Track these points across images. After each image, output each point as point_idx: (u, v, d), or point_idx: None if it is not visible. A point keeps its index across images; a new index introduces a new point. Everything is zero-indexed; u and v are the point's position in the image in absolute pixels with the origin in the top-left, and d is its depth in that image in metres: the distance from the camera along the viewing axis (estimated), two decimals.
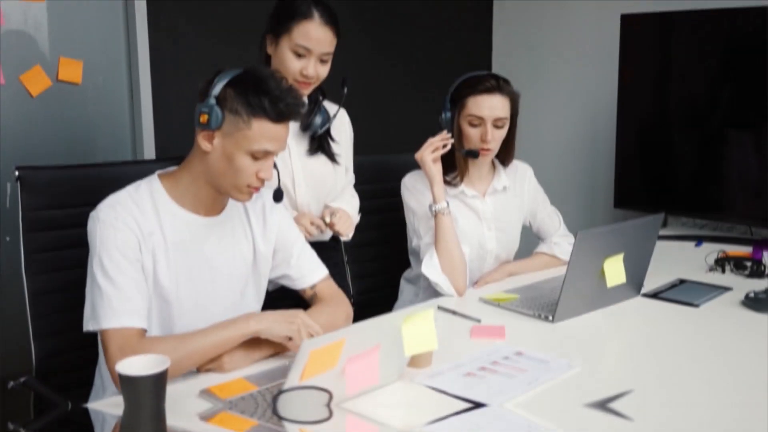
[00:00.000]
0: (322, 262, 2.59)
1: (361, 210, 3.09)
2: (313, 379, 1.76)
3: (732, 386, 2.14)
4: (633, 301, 2.90)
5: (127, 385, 1.74)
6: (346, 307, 2.52)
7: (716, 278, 3.22)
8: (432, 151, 2.94)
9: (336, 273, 2.85)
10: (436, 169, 2.95)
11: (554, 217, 3.39)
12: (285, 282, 2.54)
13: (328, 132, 2.93)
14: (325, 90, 2.95)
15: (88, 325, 2.13)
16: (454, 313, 2.72)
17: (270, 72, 2.24)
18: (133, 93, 4.10)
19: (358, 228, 3.04)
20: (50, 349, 2.52)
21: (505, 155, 3.21)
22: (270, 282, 2.53)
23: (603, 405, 1.98)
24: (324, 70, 2.80)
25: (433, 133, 2.98)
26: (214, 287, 2.34)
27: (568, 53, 5.41)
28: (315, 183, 2.90)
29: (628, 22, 4.47)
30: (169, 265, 2.23)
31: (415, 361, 2.15)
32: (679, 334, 2.59)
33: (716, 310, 2.83)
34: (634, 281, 2.90)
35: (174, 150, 3.47)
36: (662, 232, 4.01)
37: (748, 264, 3.29)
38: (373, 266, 3.49)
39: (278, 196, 2.50)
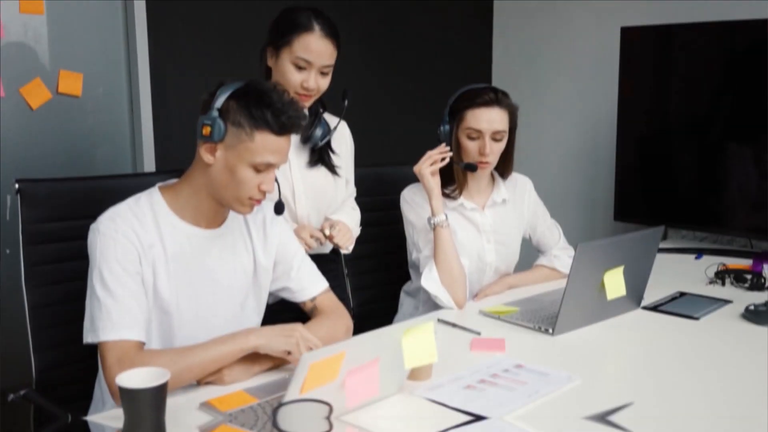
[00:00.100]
0: (323, 275, 2.59)
1: (361, 222, 3.10)
2: (313, 392, 1.75)
3: (732, 399, 2.13)
4: (633, 314, 2.90)
5: (128, 397, 1.74)
6: (346, 320, 2.52)
7: (716, 291, 3.21)
8: (430, 164, 2.94)
9: (336, 285, 2.85)
10: (435, 182, 2.95)
11: (554, 229, 3.39)
12: (285, 294, 2.54)
13: (328, 144, 2.94)
14: (325, 102, 2.95)
15: (88, 337, 2.13)
16: (454, 325, 2.72)
17: (272, 85, 2.24)
18: (133, 106, 4.10)
19: (358, 240, 3.04)
20: (50, 361, 2.52)
21: (504, 168, 3.21)
22: (270, 295, 2.53)
23: (603, 418, 1.97)
24: (324, 83, 2.80)
25: (433, 146, 2.98)
26: (215, 299, 2.34)
27: (568, 66, 5.42)
28: (315, 195, 2.90)
29: (628, 34, 4.48)
30: (170, 277, 2.23)
31: (415, 374, 2.14)
32: (679, 346, 2.58)
33: (716, 322, 2.82)
34: (635, 294, 2.90)
35: (174, 162, 3.48)
36: (662, 245, 4.01)
37: (749, 277, 3.28)
38: (373, 278, 3.49)
39: (279, 208, 2.50)
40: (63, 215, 2.58)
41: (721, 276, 3.35)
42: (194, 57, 4.22)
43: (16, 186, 2.51)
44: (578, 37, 5.32)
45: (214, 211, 2.31)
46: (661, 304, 2.99)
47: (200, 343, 2.14)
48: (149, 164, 4.11)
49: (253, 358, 2.19)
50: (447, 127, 3.05)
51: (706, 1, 4.55)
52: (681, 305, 2.99)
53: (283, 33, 2.73)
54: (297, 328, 2.19)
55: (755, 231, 4.12)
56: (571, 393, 2.14)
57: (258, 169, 2.18)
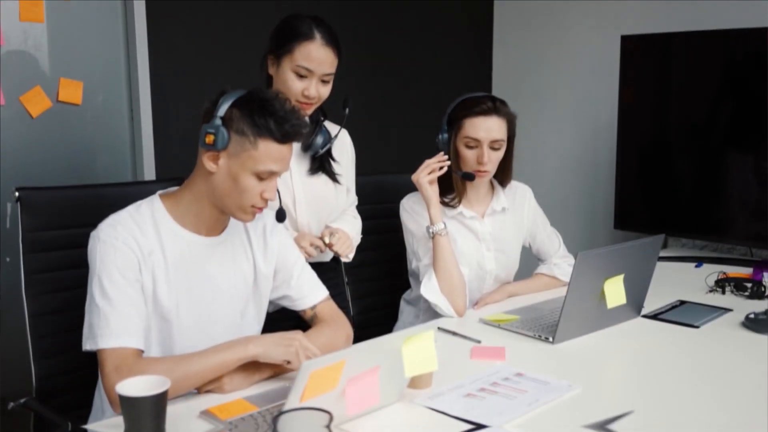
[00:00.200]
0: (323, 283, 2.59)
1: (362, 230, 3.09)
2: (313, 400, 1.75)
3: (732, 407, 2.13)
4: (633, 322, 2.90)
5: (128, 406, 1.74)
6: (346, 329, 2.51)
7: (716, 299, 3.21)
8: (428, 173, 2.94)
9: (336, 294, 2.85)
10: (433, 191, 2.95)
11: (554, 238, 3.39)
12: (285, 303, 2.54)
13: (329, 152, 2.94)
14: (326, 110, 2.95)
15: (86, 345, 2.12)
16: (454, 333, 2.72)
17: (274, 93, 2.24)
18: (134, 114, 4.11)
19: (359, 248, 3.04)
20: (50, 369, 2.52)
21: (503, 176, 3.21)
22: (270, 303, 2.53)
23: (603, 426, 1.97)
24: (325, 91, 2.80)
25: (433, 155, 2.98)
26: (215, 307, 2.34)
27: (568, 74, 5.43)
28: (316, 203, 2.90)
29: (628, 43, 4.48)
30: (170, 284, 2.23)
31: (415, 382, 2.14)
32: (679, 355, 2.58)
33: (716, 331, 2.82)
34: (635, 302, 2.90)
35: (174, 170, 3.48)
36: (662, 254, 4.01)
37: (749, 285, 3.28)
38: (373, 286, 3.49)
39: (281, 216, 2.51)
40: (63, 223, 2.58)
41: (721, 284, 3.35)
42: (194, 65, 4.22)
43: (16, 194, 2.51)
44: (578, 45, 5.33)
45: (214, 219, 2.31)
46: (662, 313, 2.99)
47: (199, 351, 2.14)
48: (149, 172, 4.11)
49: (254, 366, 2.18)
50: (445, 135, 3.05)
51: (706, 10, 4.57)
52: (681, 313, 2.99)
53: (284, 41, 2.73)
54: (297, 336, 2.18)
55: (755, 239, 4.12)
56: (571, 401, 2.14)
57: (261, 177, 2.19)
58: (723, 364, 2.48)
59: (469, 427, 1.96)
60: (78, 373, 2.49)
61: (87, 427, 2.07)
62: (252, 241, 2.43)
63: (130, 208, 2.26)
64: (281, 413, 1.61)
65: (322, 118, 2.94)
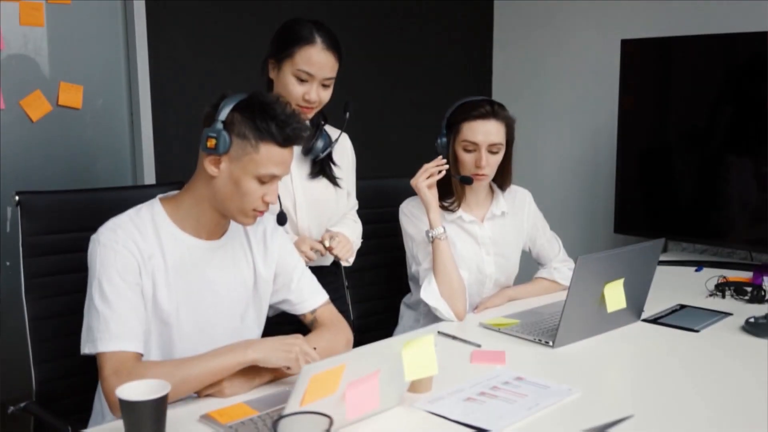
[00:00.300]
0: (323, 287, 2.59)
1: (362, 235, 3.09)
2: (313, 404, 1.75)
3: (732, 411, 2.13)
4: (633, 327, 2.90)
5: (128, 410, 1.74)
6: (346, 333, 2.51)
7: (716, 303, 3.21)
8: (426, 177, 2.94)
9: (336, 298, 2.85)
10: (432, 195, 2.95)
11: (554, 242, 3.39)
12: (285, 307, 2.54)
13: (329, 156, 2.94)
14: (326, 114, 2.95)
15: (85, 348, 2.12)
16: (454, 338, 2.72)
17: (275, 97, 2.25)
18: (134, 118, 4.11)
19: (359, 252, 3.04)
20: (50, 373, 2.52)
21: (502, 180, 3.21)
22: (270, 308, 2.53)
23: (603, 430, 1.97)
24: (326, 95, 2.81)
25: (433, 158, 2.98)
26: (215, 311, 2.34)
27: (568, 78, 5.43)
28: (316, 207, 2.90)
29: (629, 47, 4.48)
30: (170, 288, 2.23)
31: (415, 386, 2.14)
32: (679, 359, 2.58)
33: (716, 335, 2.82)
34: (635, 306, 2.90)
35: (174, 175, 3.48)
36: (662, 258, 4.00)
37: (749, 289, 3.28)
38: (374, 290, 3.49)
39: (282, 219, 2.52)
40: (63, 227, 2.58)
41: (721, 288, 3.35)
42: (194, 69, 4.23)
43: (17, 198, 2.51)
44: (578, 49, 5.33)
45: (215, 223, 2.31)
46: (662, 317, 2.99)
47: (198, 355, 2.14)
48: (149, 176, 4.11)
49: (254, 370, 2.18)
50: (444, 139, 3.06)
51: (706, 14, 4.57)
52: (681, 318, 2.99)
53: (285, 45, 2.73)
54: (296, 341, 2.18)
55: (755, 243, 4.12)
56: (571, 405, 2.14)
57: (262, 180, 2.19)
58: (723, 369, 2.48)
59: (469, 431, 1.96)
60: (78, 377, 2.49)
61: (87, 431, 2.07)
62: (252, 245, 2.43)
63: (131, 212, 2.26)
64: (281, 417, 1.61)
65: (323, 122, 2.94)
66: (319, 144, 2.87)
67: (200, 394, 2.13)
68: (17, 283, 2.50)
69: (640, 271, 2.86)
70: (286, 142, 2.18)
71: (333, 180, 2.95)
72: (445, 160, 2.98)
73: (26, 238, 2.51)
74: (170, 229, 2.26)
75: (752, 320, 2.82)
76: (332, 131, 2.98)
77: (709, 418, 2.09)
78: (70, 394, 2.55)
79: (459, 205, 3.12)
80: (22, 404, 2.43)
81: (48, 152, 3.83)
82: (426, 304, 2.96)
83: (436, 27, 5.44)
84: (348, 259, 2.93)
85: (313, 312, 2.52)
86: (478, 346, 2.64)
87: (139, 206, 2.28)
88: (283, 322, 2.58)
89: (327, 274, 2.95)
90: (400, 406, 2.10)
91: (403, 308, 3.31)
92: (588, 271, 2.62)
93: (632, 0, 4.96)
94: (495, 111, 3.01)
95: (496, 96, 5.77)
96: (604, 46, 5.01)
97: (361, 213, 3.17)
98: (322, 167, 2.92)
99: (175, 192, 2.35)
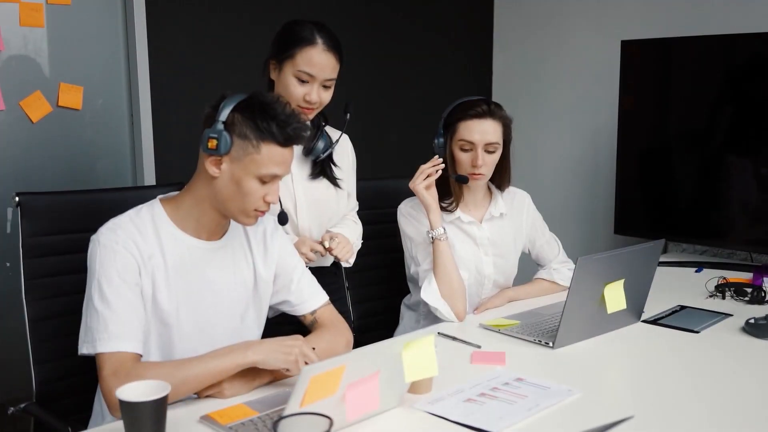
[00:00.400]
0: (323, 288, 2.59)
1: (362, 235, 3.09)
2: (313, 405, 1.75)
3: (733, 412, 2.13)
4: (633, 327, 2.90)
5: (128, 410, 1.74)
6: (346, 334, 2.51)
7: (716, 304, 3.21)
8: (424, 178, 2.94)
9: (337, 298, 2.86)
10: (431, 197, 2.95)
11: (553, 243, 3.39)
12: (285, 308, 2.53)
13: (330, 157, 2.94)
14: (327, 115, 2.95)
15: (83, 348, 2.12)
16: (454, 338, 2.72)
17: (275, 97, 2.25)
18: (134, 119, 4.11)
19: (359, 253, 3.04)
20: (50, 374, 2.52)
21: (500, 180, 3.20)
22: (270, 308, 2.53)
23: (603, 431, 1.97)
24: (327, 96, 2.81)
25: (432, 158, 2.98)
26: (215, 311, 2.34)
27: (568, 79, 5.43)
28: (317, 207, 2.90)
29: (629, 48, 4.48)
30: (170, 288, 2.23)
31: (415, 387, 2.14)
32: (679, 360, 2.58)
33: (716, 336, 2.82)
34: (635, 307, 2.89)
35: (174, 175, 3.47)
36: (662, 259, 4.00)
37: (749, 290, 3.28)
38: (374, 291, 3.49)
39: (283, 219, 2.52)
40: (63, 228, 2.58)
41: (721, 289, 3.35)
42: (194, 69, 4.23)
43: (16, 199, 2.51)
44: (578, 50, 5.33)
45: (215, 223, 2.31)
46: (662, 318, 2.99)
47: (198, 356, 2.14)
48: (149, 177, 4.11)
49: (253, 371, 2.18)
50: (441, 140, 3.06)
51: (706, 15, 4.57)
52: (681, 319, 2.99)
53: (286, 46, 2.73)
54: (296, 343, 2.17)
55: (755, 244, 4.12)
56: (571, 406, 2.14)
57: (263, 180, 2.19)
58: (723, 370, 2.48)
59: None
60: (78, 378, 2.49)
61: (87, 431, 2.07)
62: (252, 246, 2.43)
63: (131, 212, 2.26)
64: (281, 418, 1.61)
65: (324, 123, 2.94)
66: (320, 145, 2.87)
67: (200, 394, 2.13)
68: (17, 283, 2.50)
69: (640, 272, 2.86)
70: (287, 141, 2.18)
71: (333, 181, 2.95)
72: (441, 160, 2.97)
73: (26, 238, 2.51)
74: (170, 229, 2.26)
75: (752, 321, 2.82)
76: (333, 132, 2.98)
77: (710, 418, 2.09)
78: (70, 395, 2.55)
79: (457, 206, 3.12)
80: (22, 405, 2.43)
81: (48, 153, 3.83)
82: (426, 305, 2.96)
83: (436, 27, 5.45)
84: (348, 260, 2.92)
85: (313, 313, 2.52)
86: (478, 347, 2.64)
87: (139, 207, 2.28)
88: (283, 323, 2.58)
89: (327, 275, 2.95)
90: (400, 407, 2.09)
91: (403, 309, 3.31)
92: (588, 271, 2.62)
93: (632, 0, 4.97)
94: (491, 110, 3.01)
95: (496, 96, 5.78)
96: (604, 47, 5.01)
97: (361, 214, 3.17)
98: (322, 168, 2.92)
99: (176, 192, 2.35)
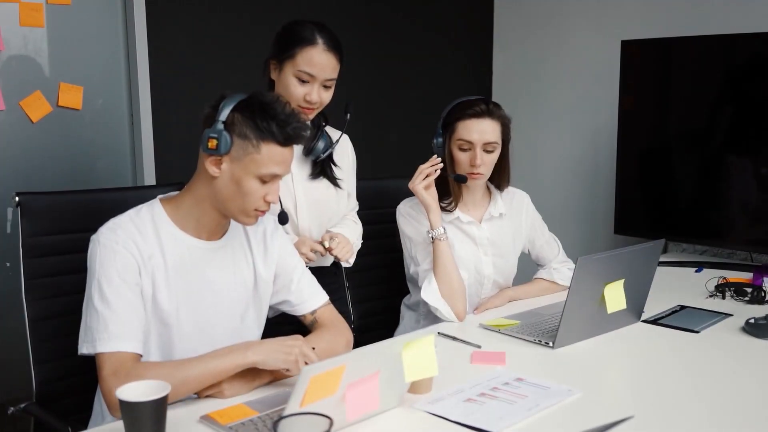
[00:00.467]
0: (323, 288, 2.59)
1: (362, 235, 3.09)
2: (313, 405, 1.75)
3: (733, 412, 2.13)
4: (633, 327, 2.90)
5: (128, 410, 1.73)
6: (346, 334, 2.51)
7: (716, 304, 3.21)
8: (423, 178, 2.94)
9: (337, 298, 2.86)
10: (431, 197, 2.95)
11: (553, 243, 3.39)
12: (285, 308, 2.53)
13: (330, 157, 2.94)
14: (327, 115, 2.95)
15: (83, 348, 2.12)
16: (454, 338, 2.71)
17: (275, 96, 2.25)
18: (134, 119, 4.11)
19: (359, 253, 3.03)
20: (50, 374, 2.52)
21: (499, 180, 3.20)
22: (270, 308, 2.52)
23: (603, 431, 1.97)
24: (327, 96, 2.81)
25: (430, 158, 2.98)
26: (215, 311, 2.33)
27: (568, 79, 5.43)
28: (317, 207, 2.90)
29: (629, 48, 4.48)
30: (170, 288, 2.23)
31: (415, 387, 2.14)
32: (679, 360, 2.58)
33: (716, 336, 2.82)
34: (635, 307, 2.89)
35: (174, 175, 3.48)
36: (662, 258, 4.00)
37: (749, 290, 3.28)
38: (374, 291, 3.49)
39: (283, 218, 2.52)
40: (63, 228, 2.58)
41: (721, 289, 3.35)
42: (194, 69, 4.23)
43: (16, 199, 2.52)
44: (578, 50, 5.33)
45: (215, 223, 2.31)
46: (662, 318, 2.99)
47: (198, 356, 2.14)
48: (149, 177, 4.11)
49: (254, 371, 2.18)
50: (440, 139, 3.05)
51: (706, 15, 4.57)
52: (681, 318, 2.99)
53: (286, 46, 2.74)
54: (296, 343, 2.17)
55: (755, 244, 4.12)
56: (571, 406, 2.14)
57: (264, 180, 2.19)
58: (723, 370, 2.48)
59: None
60: (78, 378, 2.49)
61: (87, 431, 2.07)
62: (252, 246, 2.43)
63: (131, 212, 2.26)
64: (281, 418, 1.61)
65: (324, 124, 2.94)
66: (320, 145, 2.87)
67: (200, 394, 2.13)
68: (17, 283, 2.50)
69: (640, 271, 2.86)
70: (287, 141, 2.18)
71: (334, 181, 2.95)
72: (439, 159, 2.97)
73: (26, 238, 2.51)
74: (170, 229, 2.26)
75: (752, 321, 2.82)
76: (333, 132, 2.98)
77: (710, 418, 2.09)
78: (70, 395, 2.55)
79: (456, 206, 3.11)
80: (22, 405, 2.43)
81: (48, 153, 3.83)
82: (426, 305, 2.96)
83: (436, 27, 5.45)
84: (348, 260, 2.93)
85: (313, 313, 2.52)
86: (479, 346, 2.64)
87: (139, 206, 2.28)
88: (283, 323, 2.58)
89: (327, 275, 2.95)
90: (400, 407, 2.09)
91: (403, 309, 3.31)
92: (588, 271, 2.62)
93: (632, 0, 4.96)
94: (490, 110, 3.01)
95: (496, 96, 5.78)
96: (604, 47, 5.01)
97: (361, 214, 3.17)
98: (323, 168, 2.92)
99: (176, 192, 2.35)
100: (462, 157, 3.02)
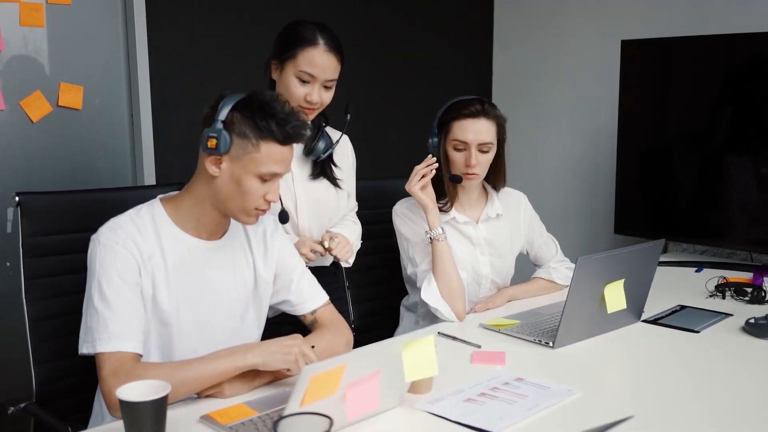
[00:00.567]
0: (323, 288, 2.59)
1: (362, 235, 3.09)
2: (313, 405, 1.75)
3: (733, 412, 2.13)
4: (633, 327, 2.90)
5: (128, 410, 1.73)
6: (346, 334, 2.51)
7: (717, 304, 3.21)
8: (419, 179, 2.94)
9: (337, 298, 2.85)
10: (428, 197, 2.95)
11: (551, 243, 3.39)
12: (285, 308, 2.53)
13: (330, 157, 2.94)
14: (327, 116, 2.95)
15: (83, 348, 2.12)
16: (454, 338, 2.71)
17: (273, 95, 2.25)
18: (134, 118, 4.11)
19: (359, 253, 3.04)
20: (50, 374, 2.52)
21: (495, 180, 3.20)
22: (270, 308, 2.52)
23: (603, 431, 1.97)
24: (328, 96, 2.81)
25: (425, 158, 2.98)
26: (215, 311, 2.33)
27: (568, 79, 5.43)
28: (317, 207, 2.90)
29: (629, 47, 4.48)
30: (170, 288, 2.23)
31: (415, 387, 2.14)
32: (679, 360, 2.58)
33: (716, 336, 2.82)
34: (635, 307, 2.89)
35: (174, 175, 3.48)
36: (663, 258, 4.00)
37: (749, 290, 3.28)
38: (374, 291, 3.49)
39: (284, 217, 2.52)
40: (63, 228, 2.58)
41: (721, 289, 3.35)
42: (194, 69, 4.23)
43: (17, 199, 2.52)
44: (578, 50, 5.33)
45: (215, 223, 2.31)
46: (662, 318, 2.99)
47: (198, 357, 2.14)
48: (149, 177, 4.11)
49: (254, 371, 2.17)
50: (436, 139, 3.05)
51: (706, 15, 4.56)
52: (681, 318, 2.99)
53: (287, 46, 2.74)
54: (296, 343, 2.17)
55: (755, 244, 4.12)
56: (571, 406, 2.14)
57: (263, 179, 2.19)
58: (723, 369, 2.48)
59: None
60: (78, 378, 2.49)
61: (87, 431, 2.07)
62: (252, 246, 2.43)
63: (131, 212, 2.26)
64: (281, 418, 1.61)
65: (324, 124, 2.94)
66: (320, 145, 2.88)
67: (200, 394, 2.13)
68: (17, 283, 2.50)
69: (640, 271, 2.86)
70: (286, 139, 2.18)
71: (334, 181, 2.95)
72: (434, 159, 2.97)
73: (26, 238, 2.51)
74: (170, 229, 2.26)
75: (752, 321, 2.82)
76: (333, 132, 2.98)
77: (710, 418, 2.09)
78: (70, 395, 2.55)
79: (452, 206, 3.11)
80: (22, 405, 2.43)
81: (48, 153, 3.83)
82: (424, 305, 2.96)
83: (436, 27, 5.44)
84: (347, 260, 2.93)
85: (313, 313, 2.52)
86: (478, 346, 2.64)
87: (139, 206, 2.28)
88: (283, 323, 2.58)
89: (327, 275, 2.95)
90: (400, 406, 2.09)
91: (402, 310, 3.31)
92: (588, 271, 2.62)
93: (632, 0, 4.96)
94: (485, 110, 3.00)
95: (496, 97, 5.78)
96: (604, 46, 5.01)
97: (361, 214, 3.17)
98: (323, 168, 2.92)
99: (176, 192, 2.35)
100: (457, 157, 3.01)
